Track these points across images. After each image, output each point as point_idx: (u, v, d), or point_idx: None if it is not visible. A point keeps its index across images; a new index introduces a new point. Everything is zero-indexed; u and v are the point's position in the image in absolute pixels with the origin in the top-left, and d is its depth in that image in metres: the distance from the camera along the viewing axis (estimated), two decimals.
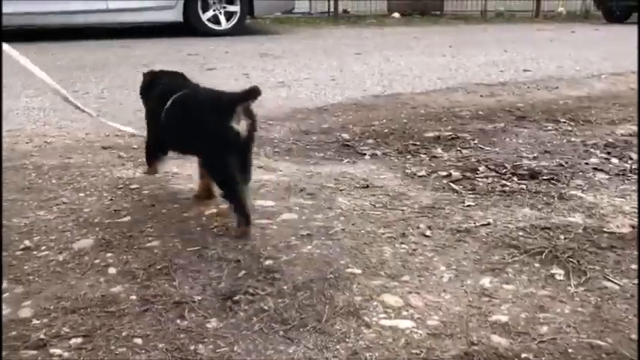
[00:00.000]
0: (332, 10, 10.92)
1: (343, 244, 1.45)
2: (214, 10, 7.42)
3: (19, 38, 6.24)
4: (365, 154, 2.38)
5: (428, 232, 1.54)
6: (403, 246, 1.45)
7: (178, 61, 4.98)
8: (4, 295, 1.22)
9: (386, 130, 2.75)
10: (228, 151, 1.48)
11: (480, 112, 3.10)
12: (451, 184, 1.99)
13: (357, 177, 2.05)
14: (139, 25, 7.29)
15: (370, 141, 2.59)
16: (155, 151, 1.79)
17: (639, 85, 3.55)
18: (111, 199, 1.75)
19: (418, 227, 1.58)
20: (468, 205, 1.77)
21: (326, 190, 1.87)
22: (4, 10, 6.43)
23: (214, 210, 1.66)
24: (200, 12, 7.31)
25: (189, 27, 7.28)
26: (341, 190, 1.88)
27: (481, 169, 2.18)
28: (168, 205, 1.70)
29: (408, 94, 3.57)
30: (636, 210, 1.70)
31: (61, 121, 2.83)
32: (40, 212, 1.66)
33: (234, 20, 7.53)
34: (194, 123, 1.53)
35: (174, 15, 7.22)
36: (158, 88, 1.78)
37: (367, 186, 1.93)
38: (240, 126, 1.50)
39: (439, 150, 2.45)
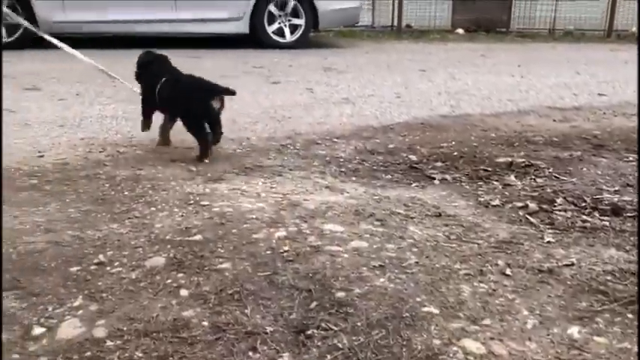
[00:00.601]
0: (395, 24, 10.85)
1: (418, 279, 1.39)
2: (279, 23, 7.51)
3: (89, 45, 6.49)
4: (434, 179, 2.31)
5: (507, 271, 1.45)
6: (482, 285, 1.38)
7: (244, 73, 5.04)
8: (79, 312, 1.22)
9: (455, 153, 2.67)
10: (205, 118, 2.38)
11: (554, 139, 2.97)
12: (528, 216, 1.89)
13: (428, 204, 1.98)
14: (207, 35, 7.45)
15: (439, 164, 2.52)
16: (148, 112, 2.60)
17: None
18: (182, 216, 1.75)
19: (496, 264, 1.50)
20: (548, 242, 1.67)
21: (396, 217, 1.81)
22: (77, 18, 6.74)
23: (284, 233, 1.63)
24: (266, 24, 7.41)
25: (254, 39, 7.39)
26: (412, 218, 1.81)
27: (559, 201, 2.07)
28: (238, 225, 1.68)
29: (477, 116, 3.46)
30: None
31: (132, 130, 2.88)
32: (113, 225, 1.68)
33: (298, 33, 7.59)
34: (186, 98, 2.38)
35: (241, 27, 7.35)
36: (154, 68, 2.59)
37: (439, 214, 1.86)
38: (215, 105, 2.37)
39: (512, 177, 2.34)
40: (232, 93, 2.40)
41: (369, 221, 1.76)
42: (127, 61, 4.16)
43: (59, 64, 5.22)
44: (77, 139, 2.70)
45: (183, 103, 2.38)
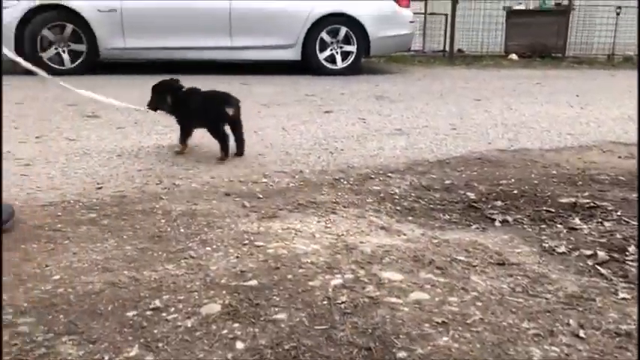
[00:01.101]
0: (446, 49, 10.75)
1: (484, 339, 1.31)
2: (331, 50, 7.56)
3: (145, 70, 6.68)
4: (494, 220, 2.22)
5: (581, 332, 1.36)
6: (553, 348, 1.29)
7: (296, 101, 5.06)
8: None
9: (515, 192, 2.57)
10: (223, 122, 2.88)
11: (621, 177, 2.82)
12: (597, 267, 1.78)
13: (490, 249, 1.89)
14: (258, 62, 7.56)
15: (498, 203, 2.42)
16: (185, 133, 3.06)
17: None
18: (237, 257, 1.73)
19: (568, 324, 1.40)
20: (623, 298, 1.56)
21: (457, 265, 1.73)
22: (136, 44, 6.95)
23: (340, 281, 1.58)
24: (318, 51, 7.47)
25: (305, 65, 7.46)
26: (474, 266, 1.73)
27: (630, 249, 1.94)
28: (293, 270, 1.65)
29: (536, 151, 3.34)
30: None
31: (187, 162, 2.91)
32: (169, 266, 1.67)
33: (349, 60, 7.62)
34: (208, 109, 2.91)
35: (293, 54, 7.44)
36: (181, 93, 3.08)
37: (503, 263, 1.78)
38: (229, 111, 2.86)
39: (577, 220, 2.23)
40: (237, 101, 2.93)
41: (429, 269, 1.69)
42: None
43: (117, 91, 5.38)
44: (134, 170, 2.73)
45: (204, 112, 2.92)
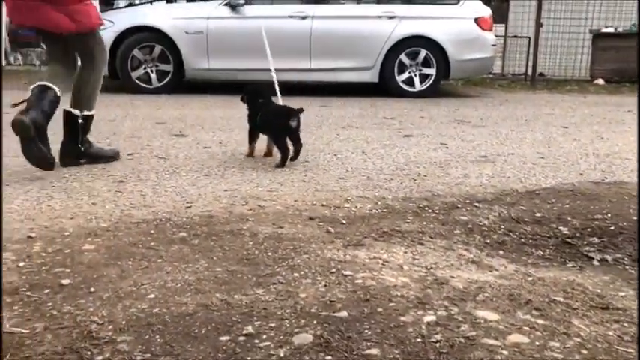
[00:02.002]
0: (528, 72, 10.43)
1: None
2: (410, 73, 7.52)
3: (226, 90, 6.87)
4: (592, 258, 2.10)
5: None
6: None
7: (375, 124, 5.04)
8: None
9: (612, 228, 2.42)
10: (287, 134, 3.24)
11: None
12: None
13: (590, 291, 1.78)
14: (335, 83, 7.63)
15: (595, 240, 2.29)
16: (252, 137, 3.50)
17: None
18: (325, 286, 1.72)
19: None
20: None
21: (556, 307, 1.64)
22: (219, 66, 7.19)
23: (433, 317, 1.53)
24: (396, 74, 7.45)
25: (382, 87, 7.45)
26: (574, 309, 1.63)
27: None
28: (383, 302, 1.61)
29: (633, 184, 3.15)
30: None
31: (271, 183, 2.94)
32: (259, 290, 1.68)
33: (428, 83, 7.55)
34: (275, 121, 3.30)
35: (371, 76, 7.46)
36: (257, 102, 3.48)
37: (606, 307, 1.66)
38: (292, 123, 3.23)
39: None
40: (300, 111, 3.30)
41: (527, 310, 1.61)
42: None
43: (202, 111, 5.58)
44: (221, 190, 2.79)
45: (271, 123, 3.35)
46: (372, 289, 1.70)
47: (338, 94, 7.30)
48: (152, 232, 2.20)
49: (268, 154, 3.51)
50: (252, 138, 3.51)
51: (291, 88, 7.52)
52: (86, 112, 3.16)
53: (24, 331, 1.45)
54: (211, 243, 2.09)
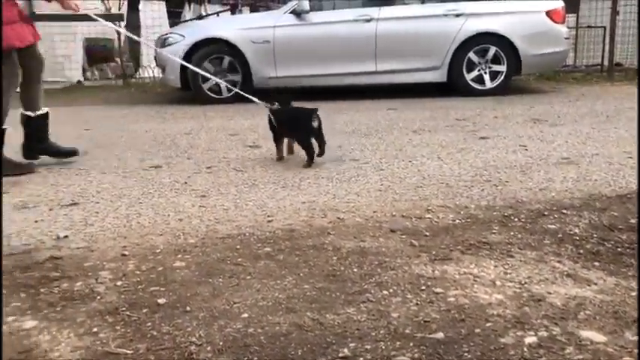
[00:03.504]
0: (604, 63, 9.92)
1: None
2: (479, 71, 7.33)
3: (306, 97, 6.93)
4: None
5: None
6: None
7: (447, 126, 4.94)
8: None
9: None
10: (310, 134, 3.44)
11: None
12: None
13: None
14: (403, 85, 7.54)
15: None
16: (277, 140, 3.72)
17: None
18: (417, 304, 1.69)
19: None
20: None
21: None
22: (286, 73, 7.27)
23: (534, 339, 1.47)
24: (465, 72, 7.29)
25: (450, 86, 7.31)
26: None
27: None
28: (479, 322, 1.56)
29: None
30: None
31: (348, 194, 2.94)
32: (350, 310, 1.67)
33: (498, 80, 7.33)
34: (299, 123, 3.51)
35: (439, 76, 7.33)
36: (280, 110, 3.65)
37: None
38: (314, 124, 3.43)
39: None
40: (316, 110, 3.50)
41: (635, 330, 1.51)
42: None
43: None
44: (299, 203, 2.81)
45: (295, 127, 3.57)
46: (466, 308, 1.65)
47: (404, 95, 7.21)
48: (238, 247, 2.24)
49: (290, 152, 3.78)
50: (279, 142, 3.73)
51: (354, 92, 7.53)
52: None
53: (128, 352, 1.51)
54: (296, 258, 2.10)
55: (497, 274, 1.91)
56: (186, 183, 3.25)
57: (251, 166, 3.64)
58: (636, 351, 1.42)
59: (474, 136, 4.44)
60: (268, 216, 2.62)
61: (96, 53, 12.42)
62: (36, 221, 2.61)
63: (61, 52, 11.69)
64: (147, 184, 3.24)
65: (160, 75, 8.16)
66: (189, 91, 7.28)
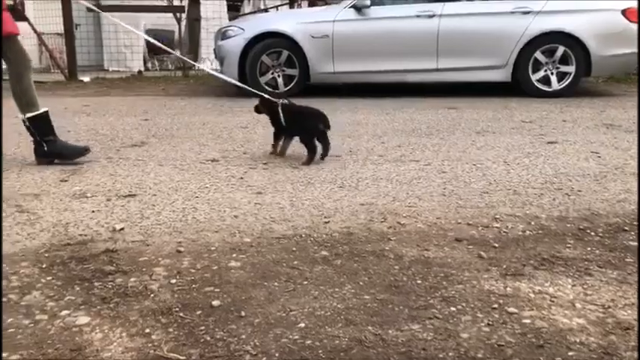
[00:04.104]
0: None
1: None
2: (545, 71, 7.01)
3: (348, 95, 6.82)
4: None
5: None
6: None
7: (512, 129, 4.71)
8: None
9: None
10: (316, 135, 3.45)
11: None
12: None
13: None
14: (463, 83, 7.30)
15: None
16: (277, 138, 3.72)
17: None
18: (489, 325, 1.55)
19: None
20: None
21: None
22: (344, 69, 7.15)
23: None
24: (530, 72, 6.98)
25: (514, 86, 7.03)
26: None
27: None
28: (560, 351, 1.41)
29: None
30: None
31: (409, 197, 2.80)
32: (414, 326, 1.55)
33: (566, 81, 6.99)
34: (305, 123, 3.51)
35: (503, 75, 7.04)
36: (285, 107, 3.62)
37: None
38: (321, 126, 3.42)
39: None
40: (326, 118, 3.53)
41: None
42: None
43: (328, 116, 5.53)
44: (357, 204, 2.70)
45: (301, 125, 3.57)
46: (544, 333, 1.50)
47: (465, 94, 6.97)
48: (294, 249, 2.15)
49: (281, 154, 3.71)
50: (278, 138, 3.72)
51: (412, 89, 7.34)
52: (28, 115, 3.48)
53: (180, 357, 1.44)
54: (355, 265, 2.00)
55: (576, 294, 1.75)
56: (242, 178, 3.19)
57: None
58: None
59: (542, 140, 4.20)
60: (325, 217, 2.52)
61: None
62: (93, 211, 2.61)
63: (124, 42, 12.00)
64: (203, 177, 3.20)
65: (218, 67, 8.21)
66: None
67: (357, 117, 5.41)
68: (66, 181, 3.14)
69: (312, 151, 3.50)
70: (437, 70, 7.15)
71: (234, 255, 2.10)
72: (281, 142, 3.71)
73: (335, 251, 2.13)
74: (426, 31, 7.07)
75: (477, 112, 5.68)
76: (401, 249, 2.14)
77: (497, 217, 2.52)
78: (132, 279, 1.90)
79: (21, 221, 2.46)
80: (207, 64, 9.98)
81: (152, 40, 4.90)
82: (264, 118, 5.37)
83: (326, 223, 2.45)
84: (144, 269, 1.98)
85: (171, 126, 4.94)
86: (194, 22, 10.82)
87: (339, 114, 5.68)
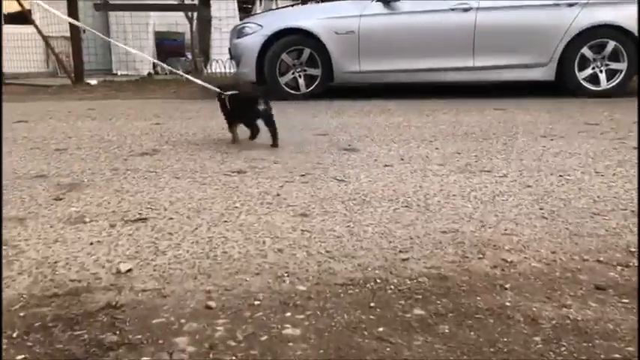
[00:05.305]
0: None
1: None
2: (593, 68, 6.37)
3: (374, 96, 6.19)
4: None
5: None
6: None
7: (580, 132, 4.07)
8: None
9: None
10: (258, 117, 3.63)
11: None
12: None
13: None
14: (502, 82, 6.65)
15: None
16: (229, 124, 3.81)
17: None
18: None
19: None
20: None
21: None
22: (371, 68, 6.53)
23: None
24: (576, 70, 6.34)
25: (558, 85, 6.39)
26: None
27: None
28: None
29: None
30: None
31: (501, 222, 2.16)
32: None
33: (616, 79, 6.37)
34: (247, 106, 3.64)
35: (546, 73, 6.41)
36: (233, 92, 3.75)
37: None
38: (261, 106, 3.56)
39: None
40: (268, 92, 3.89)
41: None
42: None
43: (362, 119, 4.92)
44: (436, 231, 2.06)
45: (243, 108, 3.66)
46: None
47: (503, 94, 6.33)
48: (372, 305, 1.51)
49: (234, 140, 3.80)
50: (233, 126, 3.83)
51: (442, 89, 6.71)
52: None
53: None
54: (471, 334, 1.35)
55: None
56: (278, 195, 2.56)
57: (354, 175, 2.91)
58: None
59: (624, 145, 3.55)
60: (400, 251, 1.88)
61: (167, 48, 12.12)
62: (91, 243, 1.98)
63: (133, 44, 11.44)
64: (231, 194, 2.58)
65: (234, 69, 7.59)
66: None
67: (394, 119, 4.78)
68: (61, 199, 2.52)
69: (254, 130, 3.71)
70: (473, 68, 6.53)
71: (287, 314, 1.47)
72: (246, 131, 3.80)
73: (433, 309, 1.48)
74: (461, 26, 6.46)
75: (528, 113, 5.04)
76: (528, 304, 1.50)
77: (632, 249, 1.87)
78: (143, 359, 1.27)
79: None
80: (221, 65, 9.37)
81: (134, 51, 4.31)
82: (290, 122, 4.77)
83: (404, 260, 1.81)
84: (160, 341, 1.34)
85: (187, 131, 4.33)
86: (205, 22, 10.25)
87: (373, 116, 5.05)
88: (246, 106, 3.63)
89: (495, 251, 1.87)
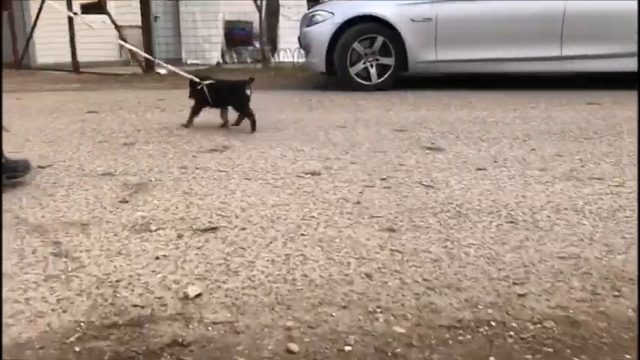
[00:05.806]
0: None
1: None
2: None
3: (448, 87, 5.78)
4: None
5: None
6: None
7: None
8: None
9: None
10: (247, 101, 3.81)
11: None
12: None
13: None
14: (589, 74, 6.08)
15: None
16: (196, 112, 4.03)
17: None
18: None
19: None
20: None
21: None
22: (449, 57, 6.12)
23: None
24: None
25: None
26: None
27: None
28: None
29: None
30: None
31: (632, 246, 1.79)
32: None
33: None
34: (235, 93, 3.87)
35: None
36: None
37: None
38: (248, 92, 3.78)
39: None
40: (252, 80, 3.85)
41: None
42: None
43: (442, 113, 4.56)
44: (552, 257, 1.73)
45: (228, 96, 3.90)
46: None
47: (593, 87, 5.77)
48: (490, 356, 1.21)
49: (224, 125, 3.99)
50: (197, 113, 4.02)
51: (524, 80, 6.21)
52: None
53: None
54: None
55: None
56: (359, 203, 2.29)
57: (443, 180, 2.60)
58: None
59: None
60: (514, 283, 1.57)
61: (236, 37, 12.08)
62: (157, 257, 1.78)
63: (202, 33, 11.44)
64: (306, 200, 2.33)
65: (302, 58, 7.36)
66: (331, 77, 6.40)
67: (479, 114, 4.39)
68: (127, 201, 2.35)
69: (250, 116, 3.83)
70: (560, 57, 6.00)
71: None
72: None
73: None
74: (548, 12, 5.94)
75: (627, 108, 4.52)
76: None
77: None
78: None
79: (53, 274, 1.66)
80: (289, 54, 9.17)
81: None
82: (364, 115, 4.49)
83: (521, 296, 1.49)
84: None
85: (256, 125, 4.11)
86: (273, 11, 10.08)
87: (454, 110, 4.68)
88: (235, 92, 3.90)
89: (633, 287, 1.52)
